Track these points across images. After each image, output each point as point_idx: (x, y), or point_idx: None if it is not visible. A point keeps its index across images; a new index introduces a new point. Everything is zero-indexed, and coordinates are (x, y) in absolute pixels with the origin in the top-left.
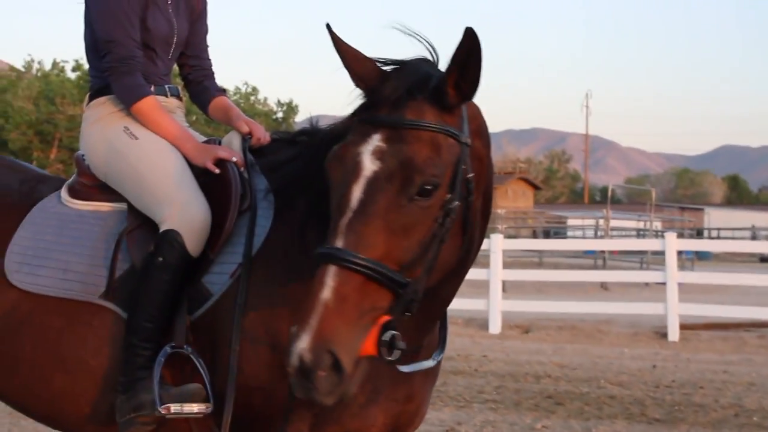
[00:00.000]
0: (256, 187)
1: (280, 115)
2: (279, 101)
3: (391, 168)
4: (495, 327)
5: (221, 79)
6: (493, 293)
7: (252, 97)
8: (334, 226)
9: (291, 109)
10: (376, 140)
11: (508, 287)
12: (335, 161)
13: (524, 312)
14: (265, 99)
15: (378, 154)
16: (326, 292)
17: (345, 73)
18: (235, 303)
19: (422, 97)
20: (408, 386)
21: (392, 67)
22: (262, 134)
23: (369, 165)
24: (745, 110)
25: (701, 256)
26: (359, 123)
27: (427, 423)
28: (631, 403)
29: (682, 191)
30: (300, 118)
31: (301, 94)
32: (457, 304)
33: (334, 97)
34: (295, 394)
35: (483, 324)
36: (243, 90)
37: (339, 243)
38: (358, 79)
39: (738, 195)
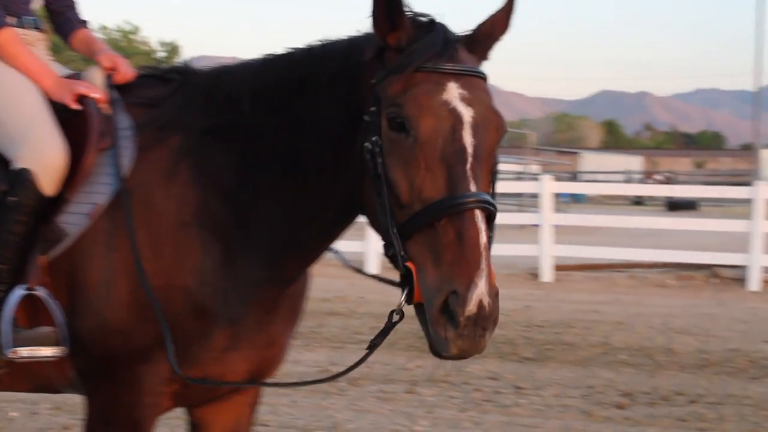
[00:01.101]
0: (119, 125)
1: (162, 54)
2: (162, 41)
3: (485, 115)
4: (372, 266)
5: (100, 15)
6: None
7: (132, 36)
8: (461, 172)
9: (174, 49)
10: (458, 88)
11: None
12: (426, 110)
13: None
14: (147, 39)
15: (468, 101)
16: (484, 237)
17: (232, 12)
18: (132, 246)
19: (470, 47)
20: (269, 331)
21: (427, 18)
22: (127, 70)
23: (467, 112)
24: (622, 56)
25: (576, 199)
26: (426, 72)
27: (301, 364)
28: (503, 342)
29: (560, 135)
30: (183, 59)
31: (185, 34)
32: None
33: (219, 38)
34: (446, 352)
35: (360, 266)
36: (124, 28)
37: (474, 188)
38: (394, 28)
39: (614, 139)
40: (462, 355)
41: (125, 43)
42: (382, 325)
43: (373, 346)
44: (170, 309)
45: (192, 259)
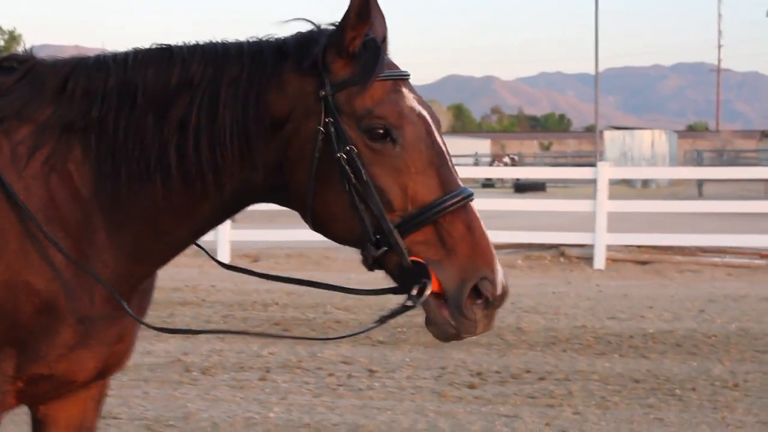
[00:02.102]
0: None
1: (0, 43)
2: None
3: (433, 113)
4: (224, 255)
5: None
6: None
7: None
8: (449, 171)
9: (13, 38)
10: (410, 92)
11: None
12: (406, 119)
13: (254, 241)
14: None
15: (422, 104)
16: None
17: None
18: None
19: None
20: (119, 327)
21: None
22: None
23: (427, 114)
24: (468, 41)
25: None
26: (381, 80)
27: (153, 355)
28: (355, 326)
29: None
30: (24, 47)
31: (25, 23)
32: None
33: (61, 27)
34: (471, 332)
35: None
36: None
37: (461, 183)
38: (374, 26)
39: (462, 123)
40: (483, 331)
41: None
42: (234, 314)
43: (380, 321)
44: (15, 306)
45: (38, 254)
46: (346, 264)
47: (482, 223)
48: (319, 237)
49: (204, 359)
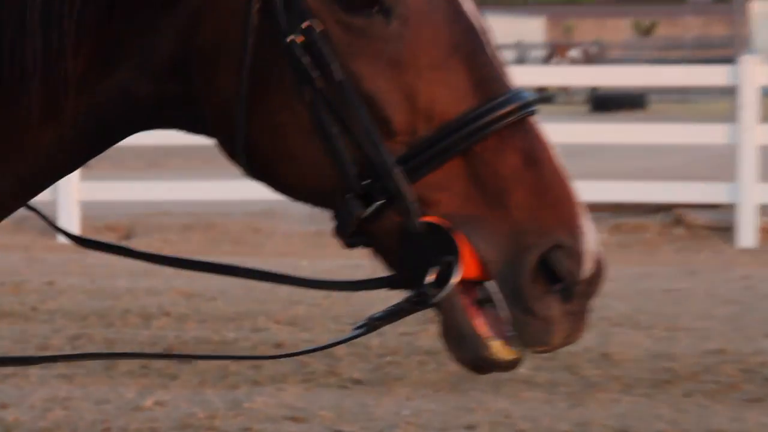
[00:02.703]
0: None
1: None
2: None
3: None
4: (71, 225)
5: None
6: None
7: None
8: (488, 61)
9: None
10: None
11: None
12: None
13: (122, 202)
14: None
15: None
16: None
17: None
18: None
19: None
20: None
21: None
22: None
23: None
24: None
25: None
26: None
27: None
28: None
29: None
30: None
31: None
32: None
33: None
34: (546, 342)
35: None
36: None
37: (513, 82)
38: None
39: None
40: (565, 343)
41: None
42: (89, 332)
43: (372, 327)
44: None
45: None
46: (289, 241)
47: (554, 151)
48: (240, 195)
49: (37, 417)
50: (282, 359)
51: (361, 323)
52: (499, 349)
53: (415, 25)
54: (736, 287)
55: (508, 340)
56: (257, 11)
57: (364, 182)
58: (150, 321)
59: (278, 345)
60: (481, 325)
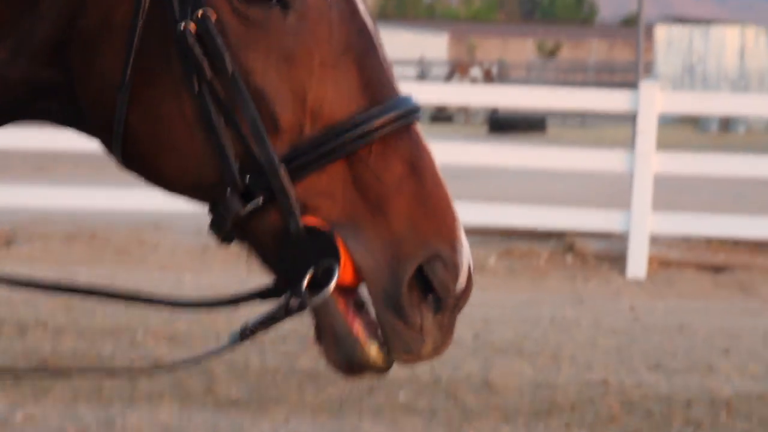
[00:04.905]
0: None
1: None
2: None
3: None
4: None
5: None
6: None
7: None
8: (379, 65)
9: None
10: None
11: None
12: None
13: (2, 208)
14: None
15: None
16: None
17: None
18: None
19: None
20: None
21: None
22: None
23: None
24: None
25: None
26: None
27: None
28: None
29: None
30: None
31: None
32: None
33: None
34: (416, 351)
35: None
36: None
37: (398, 88)
38: None
39: (398, 3)
40: (433, 354)
41: None
42: None
43: (247, 335)
44: None
45: None
46: (173, 254)
47: (435, 161)
48: (127, 206)
49: None
50: (158, 374)
51: (235, 332)
52: (374, 352)
53: (312, 21)
54: (623, 318)
55: (382, 345)
56: None
57: (246, 178)
58: (26, 332)
59: (156, 361)
60: (357, 327)
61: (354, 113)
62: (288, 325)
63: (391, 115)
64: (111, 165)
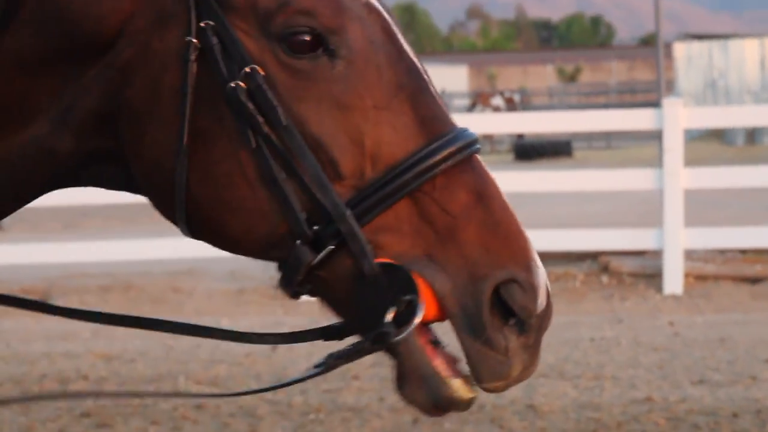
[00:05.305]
0: None
1: None
2: None
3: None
4: None
5: None
6: None
7: None
8: (432, 100)
9: None
10: None
11: None
12: (348, 12)
13: (37, 265)
14: None
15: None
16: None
17: None
18: None
19: None
20: None
21: None
22: None
23: (388, 10)
24: None
25: None
26: None
27: None
28: (232, 409)
29: None
30: None
31: None
32: None
33: None
34: (504, 375)
35: None
36: None
37: (453, 120)
38: None
39: (416, 36)
40: (521, 376)
41: None
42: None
43: (331, 366)
44: None
45: None
46: (209, 300)
47: (500, 188)
48: (160, 254)
49: None
50: (203, 421)
51: (319, 362)
52: (459, 387)
53: (360, 67)
54: (663, 334)
55: (466, 379)
56: (194, 60)
57: (314, 228)
58: (67, 385)
59: (199, 406)
60: (440, 364)
61: (413, 151)
62: None
63: (452, 148)
64: (140, 217)
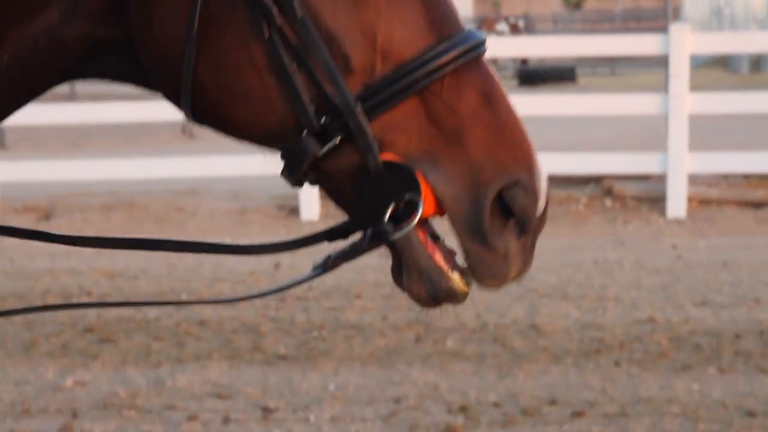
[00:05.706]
0: None
1: None
2: None
3: None
4: None
5: None
6: None
7: None
8: (446, 1)
9: None
10: None
11: None
12: None
13: (39, 183)
14: None
15: None
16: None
17: None
18: None
19: None
20: None
21: None
22: None
23: None
24: None
25: None
26: None
27: None
28: (236, 326)
29: None
30: None
31: None
32: None
33: None
34: (501, 276)
35: None
36: None
37: (462, 22)
38: None
39: None
40: (517, 277)
41: None
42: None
43: (330, 266)
44: None
45: None
46: (212, 219)
47: (505, 91)
48: (163, 174)
49: None
50: (206, 337)
51: (318, 263)
52: (457, 280)
53: None
54: (666, 257)
55: (463, 273)
56: None
57: (321, 120)
58: (70, 301)
59: (202, 322)
60: (438, 258)
61: (423, 49)
62: (330, 281)
63: (461, 48)
64: (144, 137)
